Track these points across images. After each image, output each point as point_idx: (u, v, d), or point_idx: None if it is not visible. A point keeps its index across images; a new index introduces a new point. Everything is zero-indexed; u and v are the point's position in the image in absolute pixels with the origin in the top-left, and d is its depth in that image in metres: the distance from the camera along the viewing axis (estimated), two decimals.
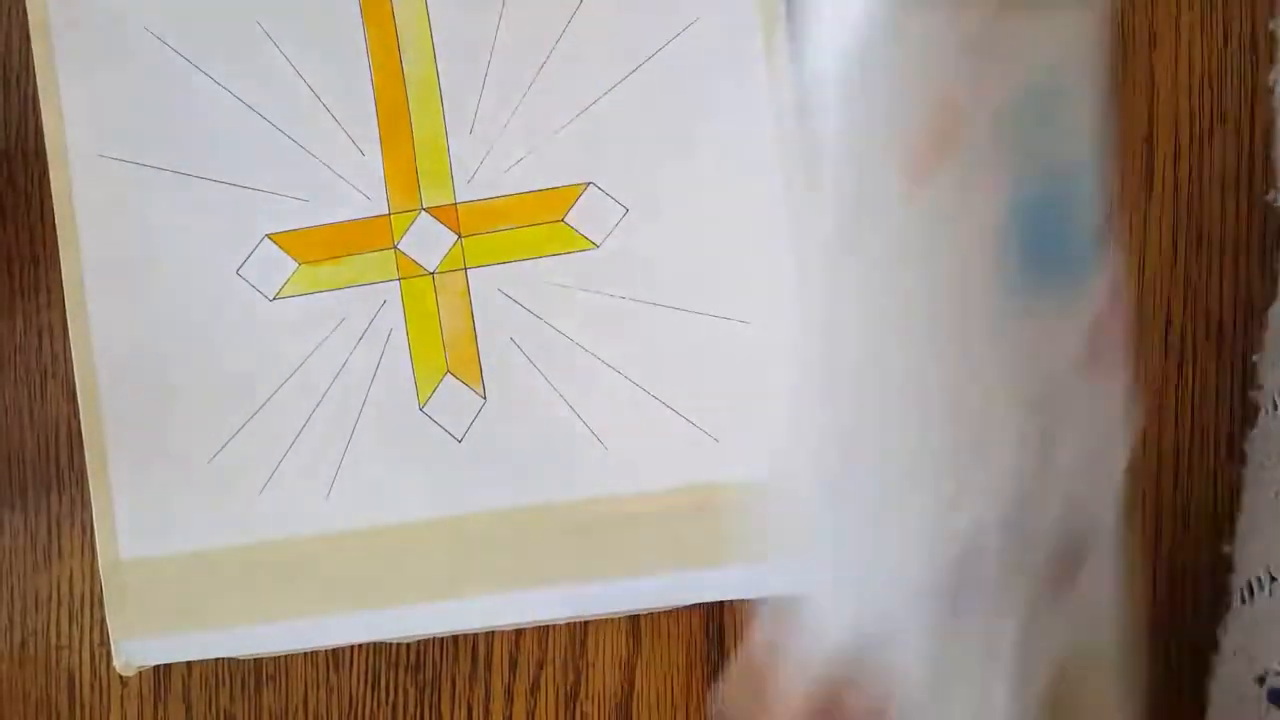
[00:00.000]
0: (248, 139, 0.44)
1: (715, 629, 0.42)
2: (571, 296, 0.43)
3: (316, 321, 0.43)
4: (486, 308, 0.43)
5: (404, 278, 0.43)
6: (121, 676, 0.43)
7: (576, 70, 0.43)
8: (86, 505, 0.43)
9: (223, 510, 0.43)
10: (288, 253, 0.44)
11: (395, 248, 0.44)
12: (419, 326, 0.43)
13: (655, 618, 0.42)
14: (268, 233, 0.44)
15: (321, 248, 0.44)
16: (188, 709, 0.43)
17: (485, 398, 0.43)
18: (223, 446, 0.43)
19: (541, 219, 0.43)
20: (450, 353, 0.43)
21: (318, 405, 0.43)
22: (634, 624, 0.42)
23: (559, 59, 0.43)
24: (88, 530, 0.44)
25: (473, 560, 0.42)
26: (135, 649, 0.43)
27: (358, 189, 0.44)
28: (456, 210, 0.43)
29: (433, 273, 0.43)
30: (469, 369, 0.43)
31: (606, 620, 0.43)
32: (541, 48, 0.43)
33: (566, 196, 0.43)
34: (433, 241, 0.44)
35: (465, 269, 0.43)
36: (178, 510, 0.43)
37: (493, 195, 0.43)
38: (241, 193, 0.44)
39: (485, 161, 0.43)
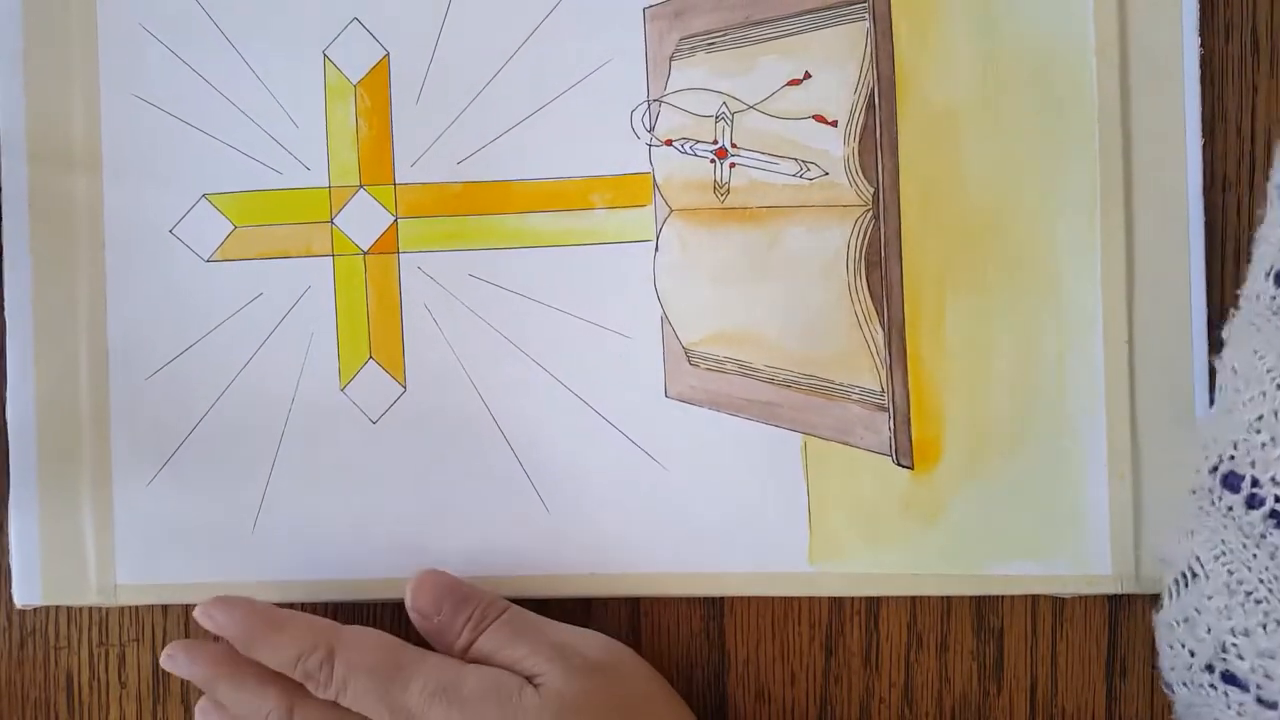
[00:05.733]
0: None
1: (717, 630, 0.42)
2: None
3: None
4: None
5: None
6: (120, 677, 0.44)
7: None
8: None
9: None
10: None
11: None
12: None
13: (655, 618, 0.42)
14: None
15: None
16: (187, 709, 0.43)
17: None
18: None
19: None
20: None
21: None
22: (634, 625, 0.42)
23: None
24: None
25: None
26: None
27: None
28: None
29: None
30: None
31: (607, 620, 0.42)
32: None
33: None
34: (368, 220, 0.42)
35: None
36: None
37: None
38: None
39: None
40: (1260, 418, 0.31)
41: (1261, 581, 0.31)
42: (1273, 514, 0.31)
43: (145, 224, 0.43)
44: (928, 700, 0.41)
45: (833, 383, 0.41)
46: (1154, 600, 0.36)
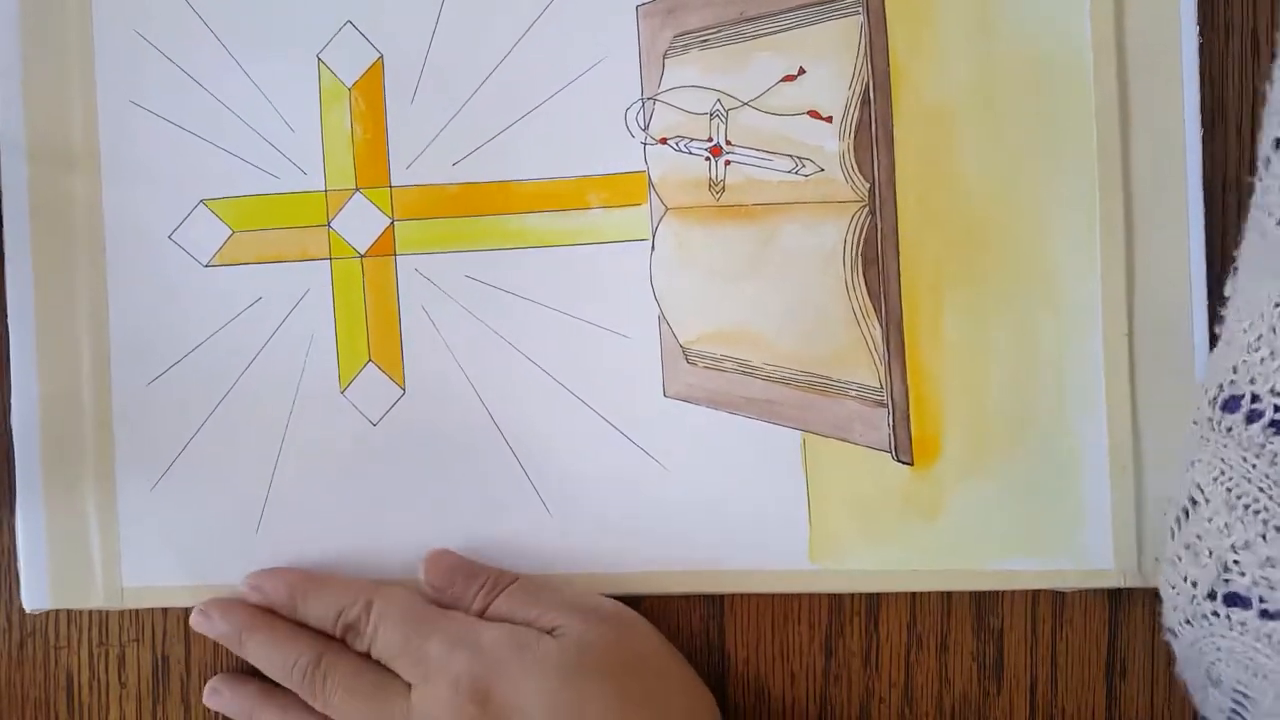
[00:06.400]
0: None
1: (717, 630, 0.42)
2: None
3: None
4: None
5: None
6: (120, 677, 0.44)
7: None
8: None
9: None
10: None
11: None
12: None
13: (655, 618, 0.42)
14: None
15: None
16: (187, 709, 0.44)
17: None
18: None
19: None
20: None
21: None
22: None
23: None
24: None
25: None
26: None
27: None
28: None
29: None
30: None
31: None
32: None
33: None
34: (365, 223, 0.42)
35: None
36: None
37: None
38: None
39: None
40: (1260, 337, 0.31)
41: (1262, 490, 0.31)
42: (1272, 423, 0.31)
43: (144, 230, 0.43)
44: (928, 700, 0.41)
45: (831, 380, 0.41)
46: (1156, 596, 0.35)
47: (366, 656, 0.40)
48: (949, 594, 0.41)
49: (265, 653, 0.40)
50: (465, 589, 0.40)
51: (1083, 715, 0.41)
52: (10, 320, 0.43)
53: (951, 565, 0.40)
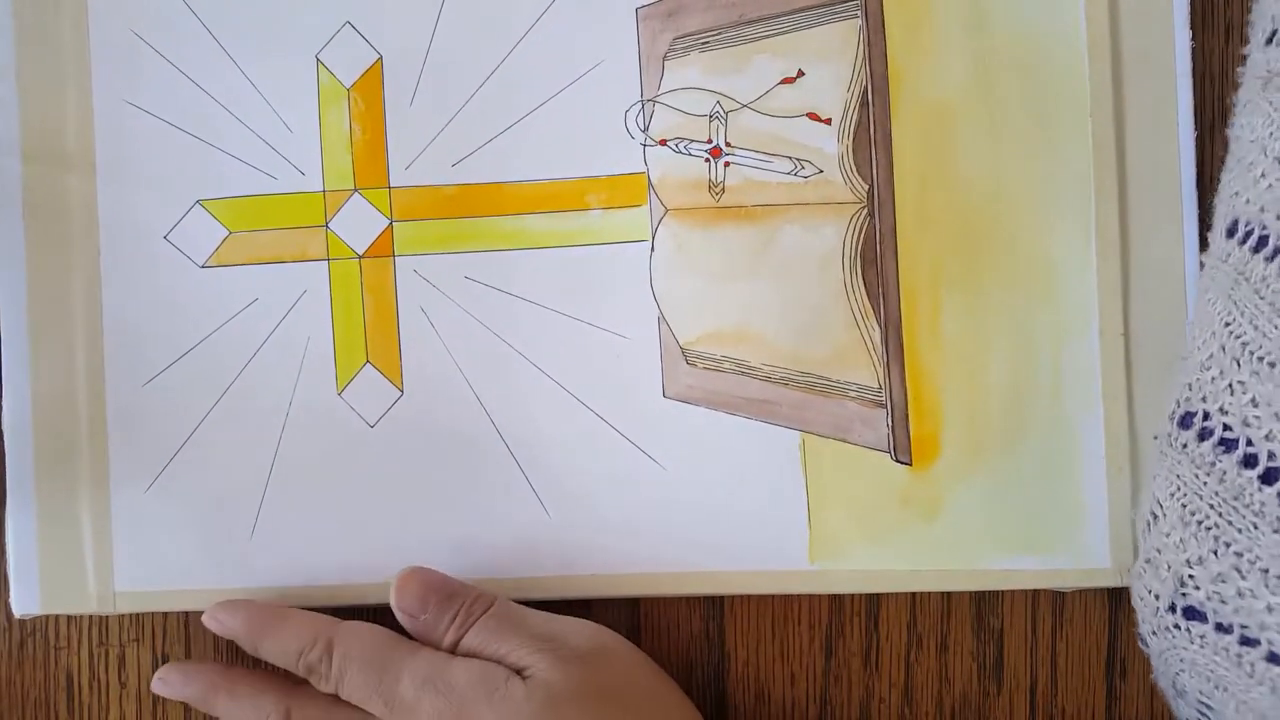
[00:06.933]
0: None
1: (717, 630, 0.42)
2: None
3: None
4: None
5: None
6: (120, 677, 0.43)
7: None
8: None
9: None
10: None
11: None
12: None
13: (655, 618, 0.42)
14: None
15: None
16: (187, 709, 0.43)
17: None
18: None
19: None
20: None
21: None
22: (634, 625, 0.42)
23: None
24: None
25: None
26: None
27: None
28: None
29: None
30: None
31: (607, 620, 0.41)
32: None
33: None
34: (363, 224, 0.42)
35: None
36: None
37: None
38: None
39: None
40: (1210, 356, 0.32)
41: (1212, 507, 0.31)
42: (1222, 442, 0.31)
43: (140, 231, 0.43)
44: (928, 700, 0.41)
45: (830, 380, 0.41)
46: None
47: (333, 697, 0.39)
48: (949, 594, 0.41)
49: (232, 710, 0.40)
50: (438, 618, 0.39)
51: (1083, 715, 0.41)
52: (4, 320, 0.43)
53: (950, 565, 0.40)
